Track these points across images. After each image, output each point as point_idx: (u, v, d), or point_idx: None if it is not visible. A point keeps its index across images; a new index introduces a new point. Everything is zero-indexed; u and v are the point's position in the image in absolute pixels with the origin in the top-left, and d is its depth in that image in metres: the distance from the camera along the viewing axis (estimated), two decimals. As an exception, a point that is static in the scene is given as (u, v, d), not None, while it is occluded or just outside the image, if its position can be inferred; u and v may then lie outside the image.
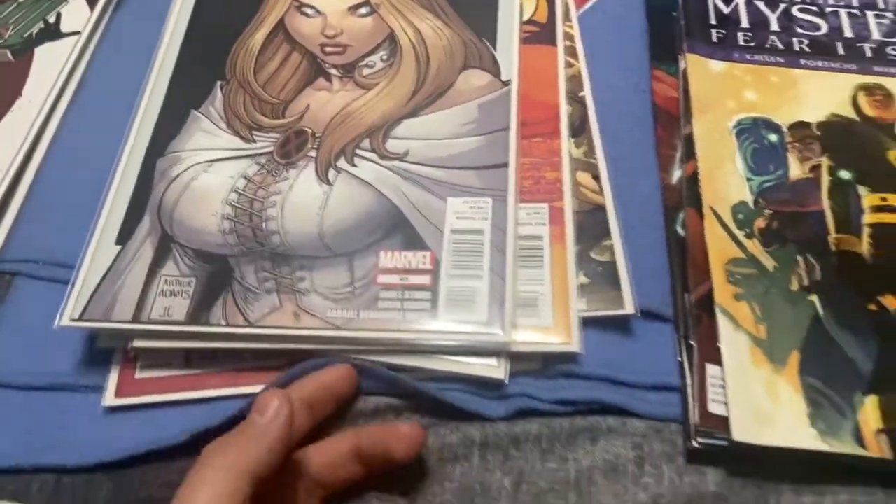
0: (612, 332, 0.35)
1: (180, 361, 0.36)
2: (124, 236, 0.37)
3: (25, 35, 0.50)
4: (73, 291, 0.35)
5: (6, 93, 0.46)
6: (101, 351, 0.36)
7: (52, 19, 0.51)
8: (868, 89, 0.42)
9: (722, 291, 0.35)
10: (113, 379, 0.36)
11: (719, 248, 0.36)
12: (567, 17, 0.46)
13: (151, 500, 0.33)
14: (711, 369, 0.33)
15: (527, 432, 0.34)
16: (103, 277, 0.36)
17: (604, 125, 0.42)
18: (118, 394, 0.35)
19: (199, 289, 0.35)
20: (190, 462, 0.34)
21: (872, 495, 0.32)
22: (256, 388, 0.34)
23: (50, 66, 0.48)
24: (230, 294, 0.35)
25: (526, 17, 0.45)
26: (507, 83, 0.41)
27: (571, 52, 0.44)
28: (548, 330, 0.34)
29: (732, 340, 0.33)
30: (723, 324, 0.34)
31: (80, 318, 0.34)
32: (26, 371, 0.36)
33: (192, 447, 0.34)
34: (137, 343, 0.35)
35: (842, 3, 0.46)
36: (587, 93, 0.42)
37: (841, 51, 0.44)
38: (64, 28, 0.50)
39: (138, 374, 0.36)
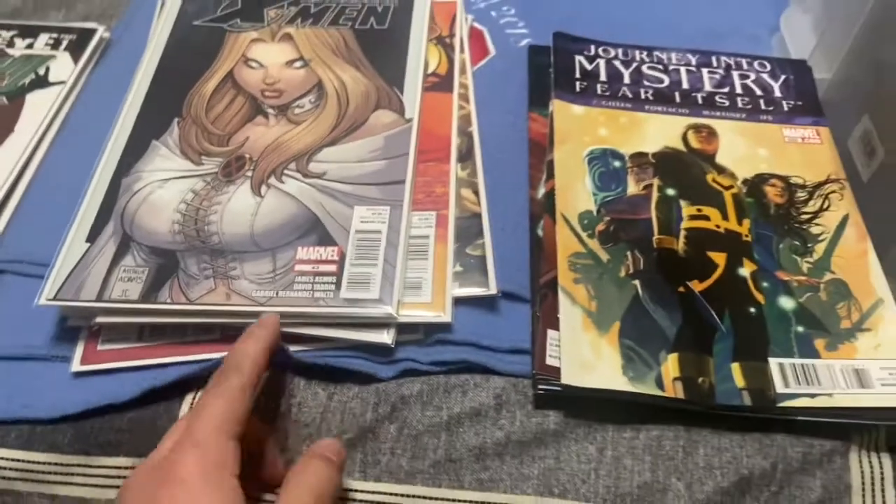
0: (480, 309, 0.45)
1: (134, 336, 0.44)
2: (92, 236, 0.46)
3: (19, 84, 0.59)
4: (49, 278, 0.44)
5: (0, 131, 0.56)
6: (71, 329, 0.45)
7: (41, 71, 0.60)
8: (696, 128, 0.53)
9: (564, 276, 0.44)
10: (79, 351, 0.44)
11: (566, 244, 0.46)
12: (463, 71, 0.57)
13: (108, 443, 0.41)
14: (551, 333, 0.42)
15: (411, 390, 0.43)
16: (74, 267, 0.44)
17: (487, 153, 0.52)
18: (83, 362, 0.44)
19: (150, 276, 0.44)
20: (139, 413, 0.43)
21: (677, 431, 0.41)
22: (195, 357, 0.43)
23: (39, 109, 0.57)
24: (176, 280, 0.44)
25: (431, 69, 0.56)
26: (409, 120, 0.52)
27: (465, 97, 0.55)
28: (427, 306, 0.43)
29: (569, 312, 0.43)
30: (563, 300, 0.43)
31: (55, 298, 0.43)
32: (8, 345, 0.44)
33: (140, 404, 0.42)
34: (100, 319, 0.43)
35: (682, 62, 0.58)
36: (474, 128, 0.53)
37: (678, 99, 0.55)
38: (52, 78, 0.60)
39: (100, 347, 0.44)
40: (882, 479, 0.39)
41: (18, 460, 0.42)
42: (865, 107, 0.53)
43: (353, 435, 0.41)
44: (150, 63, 0.57)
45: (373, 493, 0.40)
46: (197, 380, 0.42)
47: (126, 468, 0.41)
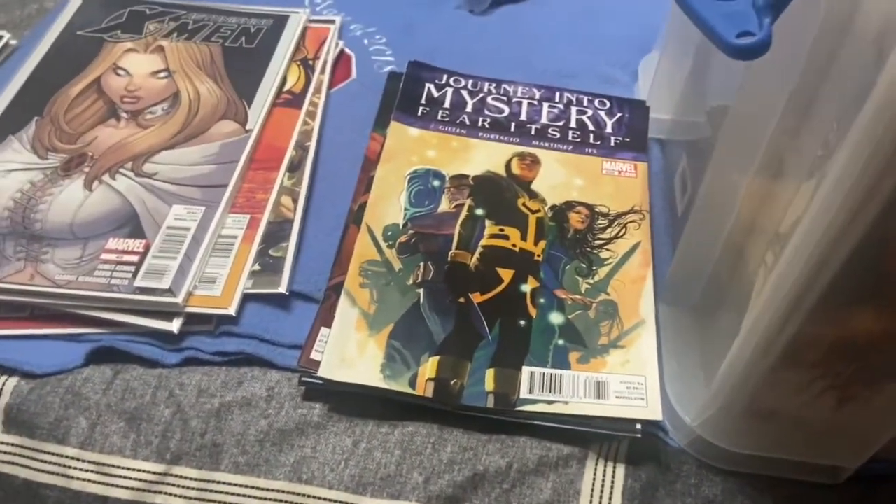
0: (271, 306, 0.47)
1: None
2: (-75, 216, 0.49)
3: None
4: None
5: None
6: None
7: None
8: (521, 155, 0.56)
9: (352, 280, 0.47)
10: None
11: (362, 252, 0.49)
12: (318, 91, 0.60)
13: None
14: (324, 330, 0.45)
15: (191, 379, 0.45)
16: None
17: (323, 167, 0.55)
18: None
19: (-33, 254, 0.47)
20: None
21: (430, 429, 0.43)
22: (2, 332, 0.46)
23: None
24: (-10, 260, 0.47)
25: (288, 87, 0.60)
26: (249, 131, 0.55)
27: (313, 115, 0.59)
28: (216, 300, 0.46)
29: (346, 312, 0.46)
30: (343, 301, 0.46)
31: None
32: None
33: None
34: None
35: (527, 96, 0.61)
36: (312, 143, 0.56)
37: (513, 128, 0.58)
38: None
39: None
40: (612, 487, 0.41)
41: None
42: (685, 148, 0.56)
43: (129, 415, 0.44)
44: (28, 67, 0.61)
45: (139, 471, 0.43)
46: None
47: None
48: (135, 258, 0.47)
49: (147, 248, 0.48)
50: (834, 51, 0.33)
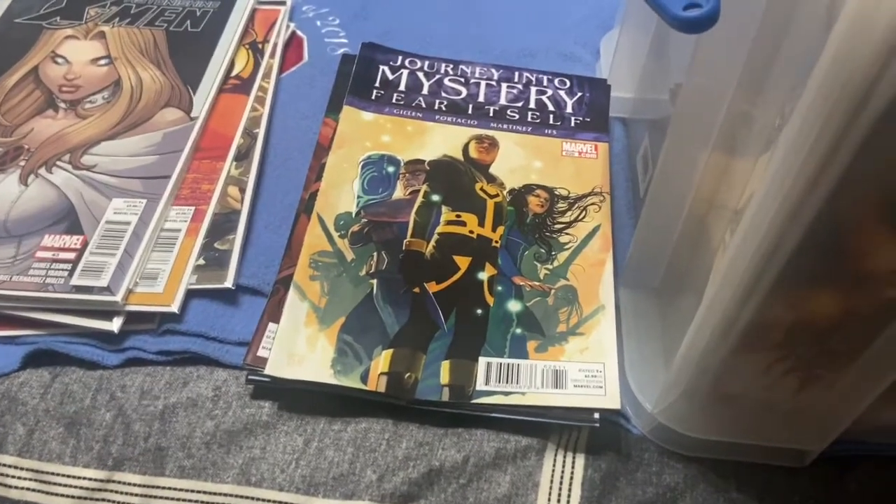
0: (218, 302, 0.45)
1: None
2: None
3: None
4: None
5: None
6: None
7: None
8: (479, 138, 0.54)
9: (302, 273, 0.45)
10: None
11: (312, 243, 0.47)
12: (267, 76, 0.58)
13: None
14: (272, 326, 0.43)
15: (133, 380, 0.43)
16: None
17: (274, 155, 0.53)
18: None
19: None
20: None
21: (385, 424, 0.42)
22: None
23: None
24: (-83, 261, 0.44)
25: (236, 72, 0.58)
26: (194, 119, 0.53)
27: (262, 100, 0.56)
28: (158, 297, 0.44)
29: (295, 306, 0.44)
30: (292, 295, 0.44)
31: None
32: None
33: None
34: None
35: (484, 77, 0.59)
36: (261, 130, 0.54)
37: (470, 111, 0.56)
38: None
39: None
40: (571, 478, 0.40)
41: None
42: (648, 127, 0.54)
43: (68, 420, 0.42)
44: (-38, 57, 0.58)
45: (79, 478, 0.41)
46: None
47: None
48: (71, 255, 0.45)
49: (85, 244, 0.45)
50: (787, 20, 0.32)
